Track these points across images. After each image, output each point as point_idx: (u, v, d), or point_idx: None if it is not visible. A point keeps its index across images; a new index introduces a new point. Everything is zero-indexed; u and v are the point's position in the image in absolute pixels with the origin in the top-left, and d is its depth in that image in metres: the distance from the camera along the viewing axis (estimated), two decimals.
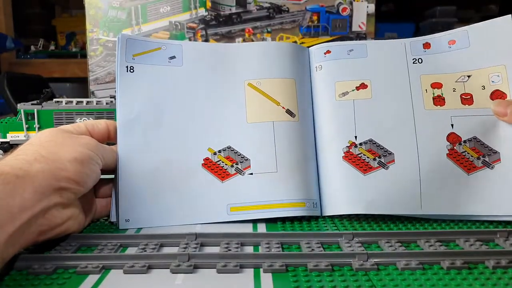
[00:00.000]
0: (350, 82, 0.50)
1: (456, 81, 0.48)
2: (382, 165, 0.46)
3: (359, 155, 0.47)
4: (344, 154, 0.47)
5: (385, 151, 0.46)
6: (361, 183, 0.46)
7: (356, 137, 0.47)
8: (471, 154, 0.46)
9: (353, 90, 0.49)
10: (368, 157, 0.46)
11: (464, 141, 0.46)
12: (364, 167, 0.46)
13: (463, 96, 0.48)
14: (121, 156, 0.45)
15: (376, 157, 0.46)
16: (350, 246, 0.37)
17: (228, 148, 0.48)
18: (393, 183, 0.45)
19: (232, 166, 0.47)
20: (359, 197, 0.45)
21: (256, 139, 0.48)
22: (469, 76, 0.48)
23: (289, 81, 0.51)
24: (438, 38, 0.50)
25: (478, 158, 0.46)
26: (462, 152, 0.46)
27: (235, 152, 0.48)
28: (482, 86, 0.47)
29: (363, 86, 0.49)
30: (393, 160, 0.46)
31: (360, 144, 0.47)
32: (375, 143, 0.47)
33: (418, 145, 0.46)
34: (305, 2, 0.96)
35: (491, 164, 0.45)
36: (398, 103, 0.48)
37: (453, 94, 0.48)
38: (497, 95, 0.47)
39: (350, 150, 0.47)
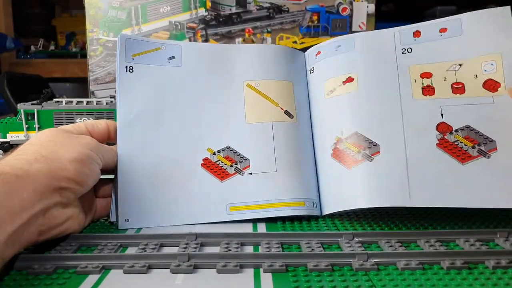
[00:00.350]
0: (337, 78, 0.49)
1: (447, 70, 0.47)
2: (367, 157, 0.45)
3: (345, 150, 0.46)
4: (332, 152, 0.47)
5: (370, 142, 0.45)
6: (347, 179, 0.45)
7: (342, 132, 0.47)
8: (464, 143, 0.44)
9: (340, 86, 0.49)
10: (352, 151, 0.46)
11: (456, 130, 0.44)
12: (349, 162, 0.45)
13: (454, 86, 0.46)
14: (120, 156, 0.45)
15: (361, 150, 0.45)
16: (350, 246, 0.37)
17: (227, 148, 0.48)
18: (377, 175, 0.44)
19: (231, 166, 0.47)
20: (347, 193, 0.45)
21: (255, 139, 0.48)
22: (460, 65, 0.46)
23: (287, 84, 0.51)
24: (429, 26, 0.49)
25: (473, 147, 0.44)
26: (454, 142, 0.44)
27: (234, 152, 0.48)
28: (474, 75, 0.46)
29: (349, 79, 0.48)
30: (378, 152, 0.45)
31: (346, 138, 0.46)
32: (360, 136, 0.46)
33: (405, 135, 0.45)
34: (305, 2, 0.96)
35: (487, 153, 0.43)
36: (385, 94, 0.47)
37: (443, 84, 0.46)
38: (489, 84, 0.45)
39: (337, 146, 0.47)
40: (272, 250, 0.37)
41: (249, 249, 0.38)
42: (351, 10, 0.96)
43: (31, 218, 0.34)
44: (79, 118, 0.75)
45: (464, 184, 0.43)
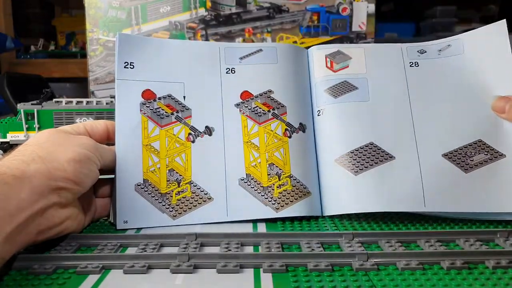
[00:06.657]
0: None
1: None
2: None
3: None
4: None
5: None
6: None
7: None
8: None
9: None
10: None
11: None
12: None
13: None
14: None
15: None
16: (350, 246, 0.37)
17: None
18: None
19: None
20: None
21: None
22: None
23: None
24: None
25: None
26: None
27: None
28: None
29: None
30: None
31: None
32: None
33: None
34: (305, 2, 0.96)
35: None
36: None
37: None
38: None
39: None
40: (272, 250, 0.37)
41: (249, 249, 0.38)
42: (351, 10, 0.96)
43: (29, 218, 0.34)
44: (79, 118, 0.75)
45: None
